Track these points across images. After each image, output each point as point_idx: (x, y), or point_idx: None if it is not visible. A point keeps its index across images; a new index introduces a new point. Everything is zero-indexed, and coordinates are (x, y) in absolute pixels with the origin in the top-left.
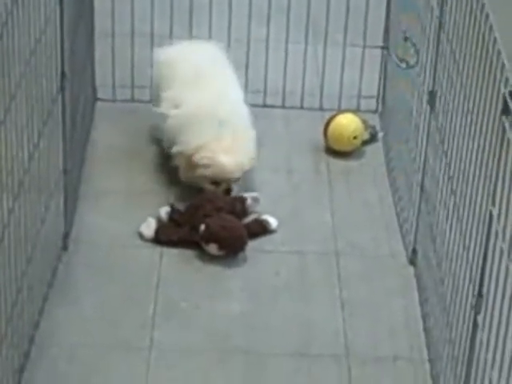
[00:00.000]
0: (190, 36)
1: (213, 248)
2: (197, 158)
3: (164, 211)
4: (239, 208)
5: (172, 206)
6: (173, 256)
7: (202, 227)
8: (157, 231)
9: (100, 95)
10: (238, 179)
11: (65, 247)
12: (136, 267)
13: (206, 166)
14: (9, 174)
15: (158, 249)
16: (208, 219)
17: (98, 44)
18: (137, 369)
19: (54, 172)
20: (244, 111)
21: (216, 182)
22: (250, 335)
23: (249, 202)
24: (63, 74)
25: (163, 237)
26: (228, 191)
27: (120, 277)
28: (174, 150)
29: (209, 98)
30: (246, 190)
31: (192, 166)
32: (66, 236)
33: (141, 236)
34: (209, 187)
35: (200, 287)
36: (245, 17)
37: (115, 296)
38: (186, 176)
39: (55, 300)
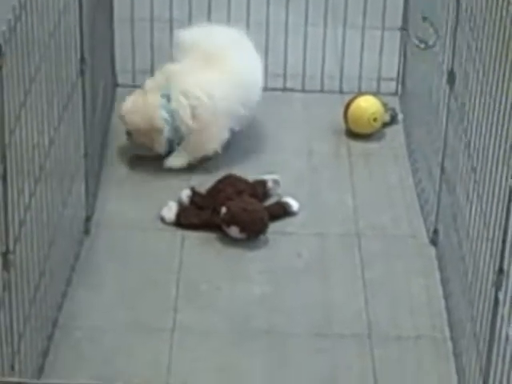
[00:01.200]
0: (209, 20)
1: (234, 231)
2: None
3: (185, 194)
4: (260, 191)
5: (193, 190)
6: (194, 239)
7: (223, 210)
8: (178, 214)
9: (120, 80)
10: None
11: (87, 231)
12: (157, 251)
13: None
14: (30, 159)
15: (180, 232)
16: (229, 202)
17: (118, 29)
18: (159, 351)
19: (74, 156)
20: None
21: None
22: (272, 317)
23: (270, 184)
24: (83, 58)
25: (184, 220)
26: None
27: (142, 260)
28: None
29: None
30: (267, 173)
31: None
32: (88, 220)
33: (162, 219)
34: None
35: (221, 270)
36: (263, 0)
37: (137, 279)
38: None
39: (78, 283)
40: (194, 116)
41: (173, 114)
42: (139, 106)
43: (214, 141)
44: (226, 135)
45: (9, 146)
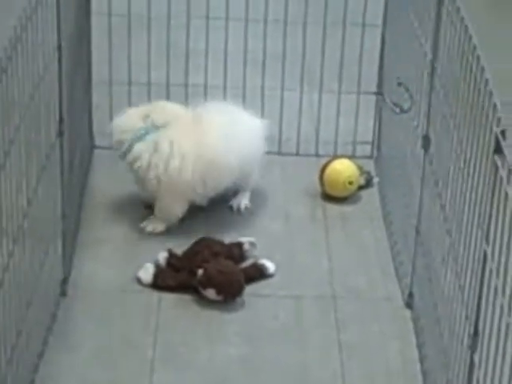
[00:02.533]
0: (186, 83)
1: (211, 293)
2: None
3: (162, 256)
4: (237, 253)
5: (170, 252)
6: (171, 301)
7: (200, 272)
8: (155, 276)
9: (97, 142)
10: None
11: (63, 293)
12: (134, 312)
13: None
14: (8, 219)
15: (156, 294)
16: (206, 264)
17: (95, 92)
18: None
19: (52, 217)
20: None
21: None
22: (249, 379)
23: (246, 246)
24: (61, 119)
25: (161, 282)
26: None
27: (119, 322)
28: None
29: None
30: (243, 236)
31: None
32: (65, 282)
33: (139, 281)
34: None
35: (198, 332)
36: (240, 64)
37: (114, 341)
38: None
39: (54, 345)
40: (166, 169)
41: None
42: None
43: (177, 206)
44: (185, 207)
45: None
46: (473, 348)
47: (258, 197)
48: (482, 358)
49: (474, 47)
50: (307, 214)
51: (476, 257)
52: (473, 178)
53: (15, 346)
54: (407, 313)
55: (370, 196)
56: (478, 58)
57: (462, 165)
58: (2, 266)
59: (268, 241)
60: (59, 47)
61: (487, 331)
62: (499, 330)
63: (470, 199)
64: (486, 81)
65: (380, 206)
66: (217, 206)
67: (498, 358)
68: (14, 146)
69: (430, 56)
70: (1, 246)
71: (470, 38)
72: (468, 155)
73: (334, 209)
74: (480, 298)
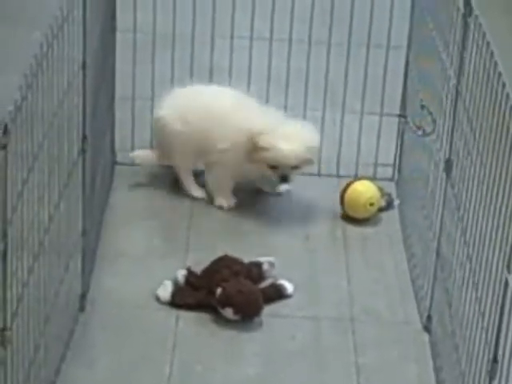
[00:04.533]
0: None
1: (229, 312)
2: (259, 140)
3: (181, 274)
4: (255, 272)
5: (189, 270)
6: (189, 319)
7: (219, 291)
8: (173, 294)
9: (119, 159)
10: (296, 167)
11: (82, 308)
12: (152, 329)
13: (265, 150)
14: (29, 234)
15: (175, 312)
16: (224, 283)
17: (118, 107)
18: None
19: (72, 233)
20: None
21: (274, 167)
22: None
23: (265, 266)
24: (84, 136)
25: (180, 300)
26: (284, 178)
27: (136, 339)
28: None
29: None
30: (262, 255)
31: (254, 148)
32: (83, 297)
33: (157, 299)
34: (267, 172)
35: (215, 351)
36: (264, 83)
37: (131, 358)
38: (249, 159)
39: (72, 360)
40: None
41: None
42: None
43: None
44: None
45: (10, 223)
46: (492, 375)
47: (278, 216)
48: None
49: (500, 74)
50: (327, 234)
51: (497, 283)
52: (495, 202)
53: (33, 361)
54: (425, 336)
55: (391, 218)
56: (504, 85)
57: (484, 190)
58: (22, 281)
59: (287, 261)
60: (84, 64)
61: (507, 358)
62: None
63: (492, 224)
64: (511, 107)
65: (400, 229)
66: (236, 224)
67: None
68: (37, 162)
69: (454, 80)
70: (21, 261)
71: (496, 64)
72: (491, 180)
73: (354, 230)
74: (500, 324)
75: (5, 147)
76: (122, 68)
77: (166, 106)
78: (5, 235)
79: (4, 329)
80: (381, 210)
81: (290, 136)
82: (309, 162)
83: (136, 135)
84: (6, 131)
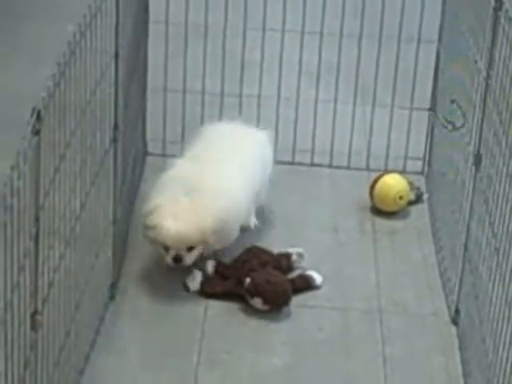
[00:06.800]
0: (240, 93)
1: (257, 302)
2: (147, 218)
3: (210, 264)
4: (284, 263)
5: (218, 260)
6: (217, 308)
7: (248, 281)
8: (202, 284)
9: (150, 149)
10: (191, 248)
11: (112, 296)
12: (181, 318)
13: (151, 228)
14: (61, 221)
15: (203, 301)
16: (253, 273)
17: (150, 99)
18: None
19: (103, 222)
20: (230, 189)
21: (167, 248)
22: None
23: (294, 257)
24: (116, 126)
25: (208, 289)
26: (177, 259)
27: (165, 328)
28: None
29: (193, 165)
30: (292, 246)
31: (144, 226)
32: (114, 285)
33: (186, 288)
34: (160, 251)
35: (243, 340)
36: (295, 75)
37: (160, 346)
38: (143, 235)
39: (101, 348)
40: None
41: None
42: None
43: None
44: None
45: (42, 208)
46: None
47: (308, 208)
48: None
49: None
50: (356, 227)
51: None
52: None
53: (63, 346)
54: (453, 329)
55: (420, 212)
56: None
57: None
58: (53, 267)
59: (316, 252)
60: (116, 54)
61: None
62: None
63: None
64: None
65: (429, 222)
66: (266, 216)
67: None
68: (69, 150)
69: (484, 73)
70: (53, 248)
71: None
72: None
73: (383, 223)
74: None
75: (38, 133)
76: (154, 59)
77: None
78: (37, 219)
79: (35, 313)
80: (410, 203)
81: (182, 214)
82: (205, 242)
83: (168, 127)
84: (39, 117)
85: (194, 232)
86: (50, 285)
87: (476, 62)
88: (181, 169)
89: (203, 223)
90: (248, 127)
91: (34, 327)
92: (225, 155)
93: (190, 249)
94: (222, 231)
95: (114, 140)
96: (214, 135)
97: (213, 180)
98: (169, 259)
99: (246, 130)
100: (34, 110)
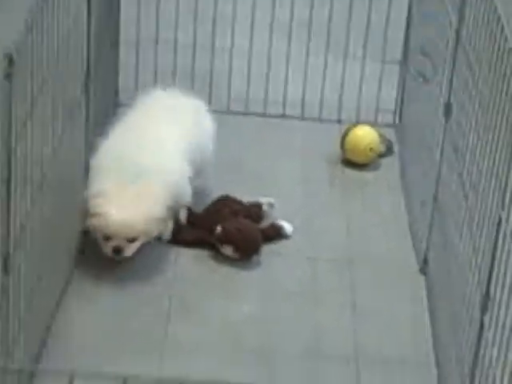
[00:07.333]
0: (212, 44)
1: (228, 250)
2: (90, 204)
3: (182, 213)
4: (255, 213)
5: (190, 209)
6: (188, 256)
7: (219, 229)
8: (174, 232)
9: (122, 99)
10: (132, 240)
11: (82, 251)
12: (152, 265)
13: (93, 216)
14: (34, 166)
15: (175, 249)
16: (224, 222)
17: (122, 49)
18: (151, 360)
19: (76, 170)
20: (176, 171)
21: (107, 238)
22: (262, 336)
23: (265, 207)
24: (88, 74)
25: (180, 237)
26: (117, 250)
27: (137, 274)
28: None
29: (132, 145)
30: (263, 196)
31: (85, 212)
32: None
33: (158, 237)
34: (100, 241)
35: (214, 287)
36: (266, 29)
37: (131, 292)
38: (82, 224)
39: (73, 293)
40: None
41: None
42: None
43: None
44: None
45: (14, 152)
46: (483, 309)
47: (279, 160)
48: (493, 320)
49: (499, 18)
50: (327, 178)
51: (491, 221)
52: (491, 145)
53: (35, 290)
54: (421, 278)
55: (390, 164)
56: (503, 27)
57: (481, 132)
58: (26, 212)
59: (287, 203)
60: (89, 2)
61: (498, 295)
62: (510, 293)
63: (488, 165)
64: (510, 50)
65: (399, 174)
66: (237, 166)
67: (508, 321)
68: (41, 97)
69: (455, 25)
70: (25, 194)
71: (495, 8)
72: (488, 123)
73: (353, 175)
74: (493, 260)
75: (9, 76)
76: (126, 10)
77: None
78: (9, 162)
79: (7, 256)
80: (381, 155)
81: (128, 202)
82: (147, 233)
83: (140, 76)
84: (11, 61)
85: (140, 222)
86: (22, 228)
87: (447, 12)
88: (118, 146)
89: (150, 212)
90: (185, 96)
91: (5, 270)
92: (163, 129)
93: (132, 240)
94: (167, 219)
95: (86, 87)
96: (150, 105)
97: (155, 160)
98: (108, 250)
99: (183, 99)
100: (6, 54)
